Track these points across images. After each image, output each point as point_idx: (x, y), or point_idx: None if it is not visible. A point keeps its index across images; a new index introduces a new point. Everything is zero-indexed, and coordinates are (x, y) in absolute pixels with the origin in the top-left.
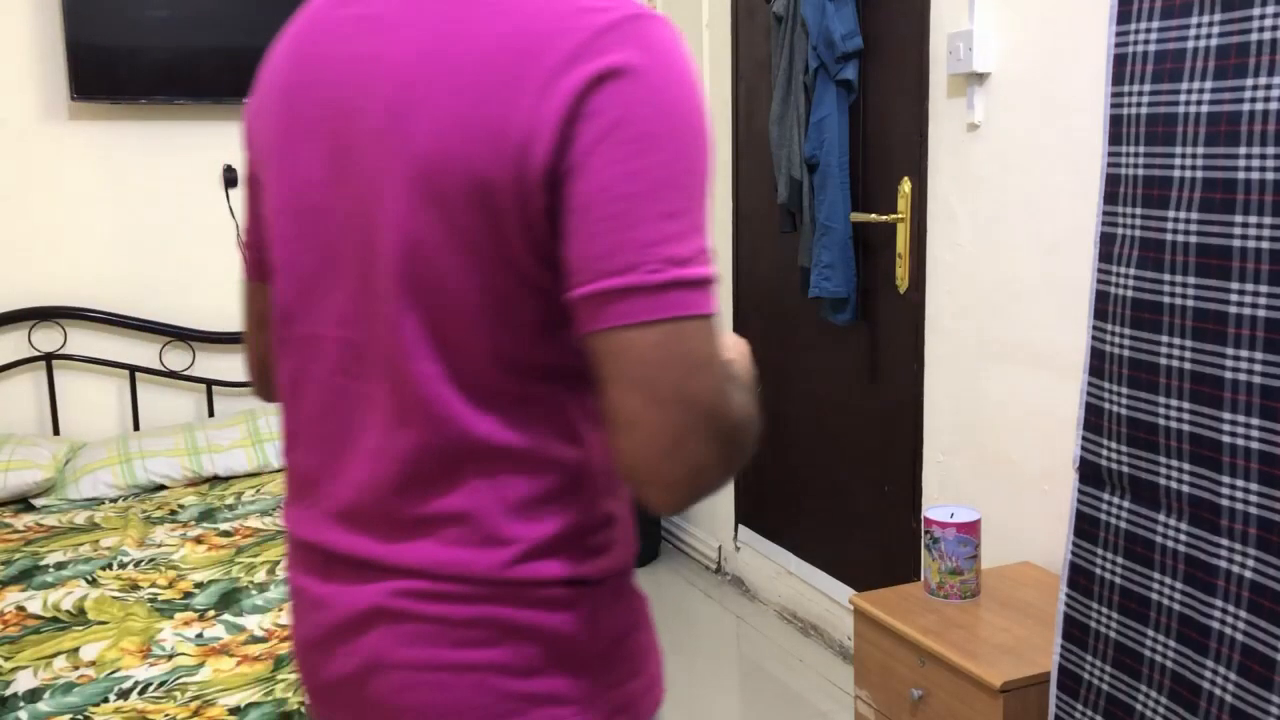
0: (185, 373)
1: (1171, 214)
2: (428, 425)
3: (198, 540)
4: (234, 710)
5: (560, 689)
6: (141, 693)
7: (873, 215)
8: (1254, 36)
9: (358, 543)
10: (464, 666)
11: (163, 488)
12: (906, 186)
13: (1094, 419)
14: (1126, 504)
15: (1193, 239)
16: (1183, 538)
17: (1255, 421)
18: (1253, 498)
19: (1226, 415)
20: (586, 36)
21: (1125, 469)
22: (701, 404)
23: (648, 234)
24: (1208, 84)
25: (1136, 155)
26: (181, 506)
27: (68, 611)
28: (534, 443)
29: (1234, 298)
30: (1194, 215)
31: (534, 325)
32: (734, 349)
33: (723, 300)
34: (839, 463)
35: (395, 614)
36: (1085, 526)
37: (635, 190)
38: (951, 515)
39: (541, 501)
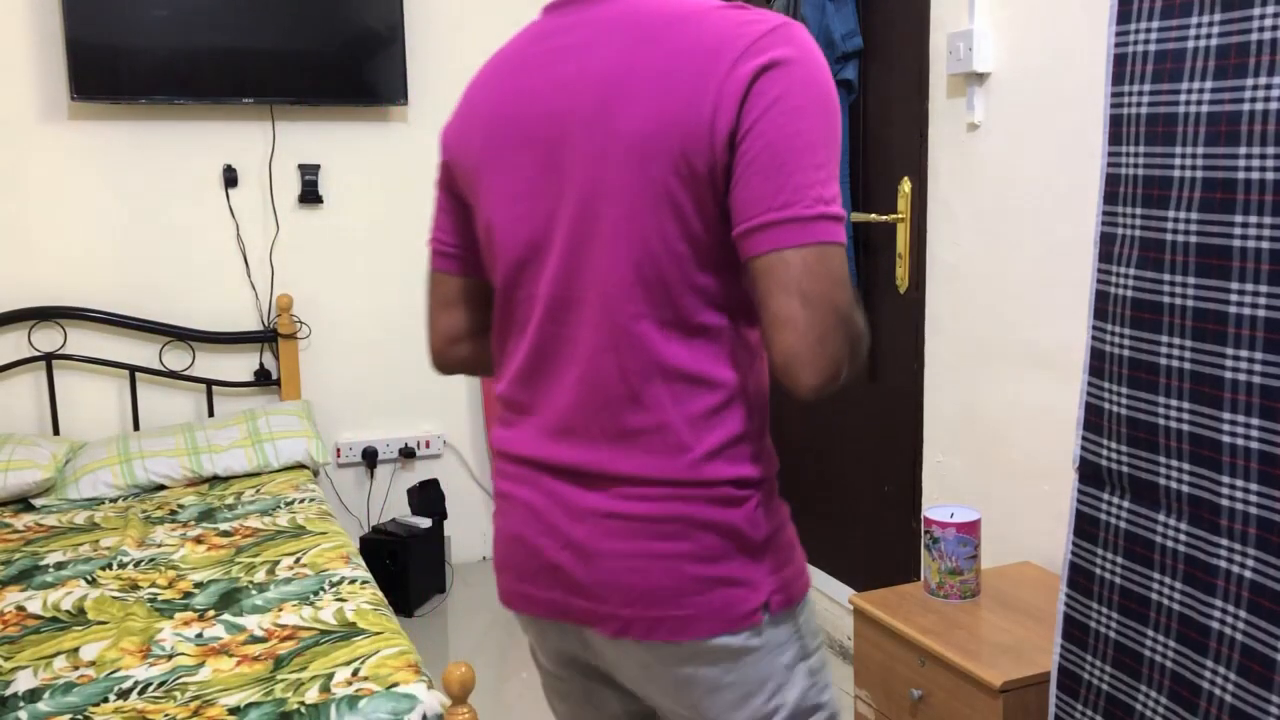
0: (185, 373)
1: (1171, 214)
2: (630, 353)
3: (197, 540)
4: (234, 710)
5: (735, 572)
6: (141, 693)
7: (873, 215)
8: (1254, 36)
9: (574, 454)
10: (661, 555)
11: (163, 488)
12: (906, 186)
13: (1094, 419)
14: (1126, 504)
15: (1193, 239)
16: (1182, 538)
17: (1255, 421)
18: (1253, 498)
19: (1226, 415)
20: (751, 40)
21: (1125, 469)
22: (842, 310)
23: (801, 180)
24: (1208, 84)
25: (1136, 155)
26: (181, 506)
27: (67, 611)
28: (706, 366)
29: (1234, 298)
30: (1194, 215)
31: (713, 268)
32: None
33: None
34: (839, 463)
35: (607, 513)
36: (1085, 526)
37: (791, 147)
38: (951, 515)
39: (713, 414)
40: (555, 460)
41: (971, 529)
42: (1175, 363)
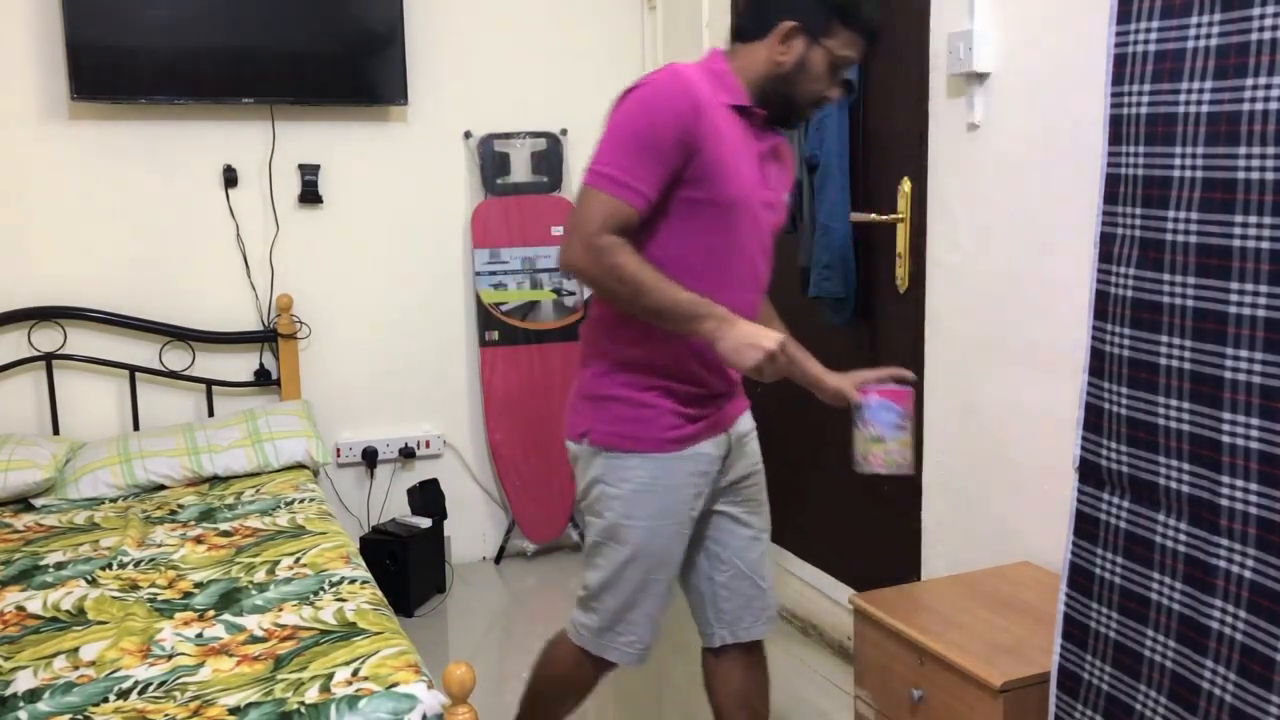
0: (185, 373)
1: (1171, 214)
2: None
3: (197, 540)
4: (234, 710)
5: (578, 408)
6: (141, 693)
7: (873, 215)
8: (1254, 36)
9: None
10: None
11: (162, 488)
12: (906, 186)
13: (1094, 419)
14: (1126, 504)
15: (1193, 239)
16: (1182, 538)
17: (1255, 421)
18: (1252, 498)
19: (1226, 415)
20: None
21: (1125, 469)
22: (571, 226)
23: (592, 159)
24: (1208, 84)
25: (1136, 155)
26: (181, 506)
27: (67, 611)
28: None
29: (1234, 298)
30: (1194, 215)
31: None
32: (765, 337)
33: None
34: (839, 463)
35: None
36: (1085, 526)
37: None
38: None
39: (590, 326)
40: None
41: (897, 396)
42: (1175, 363)
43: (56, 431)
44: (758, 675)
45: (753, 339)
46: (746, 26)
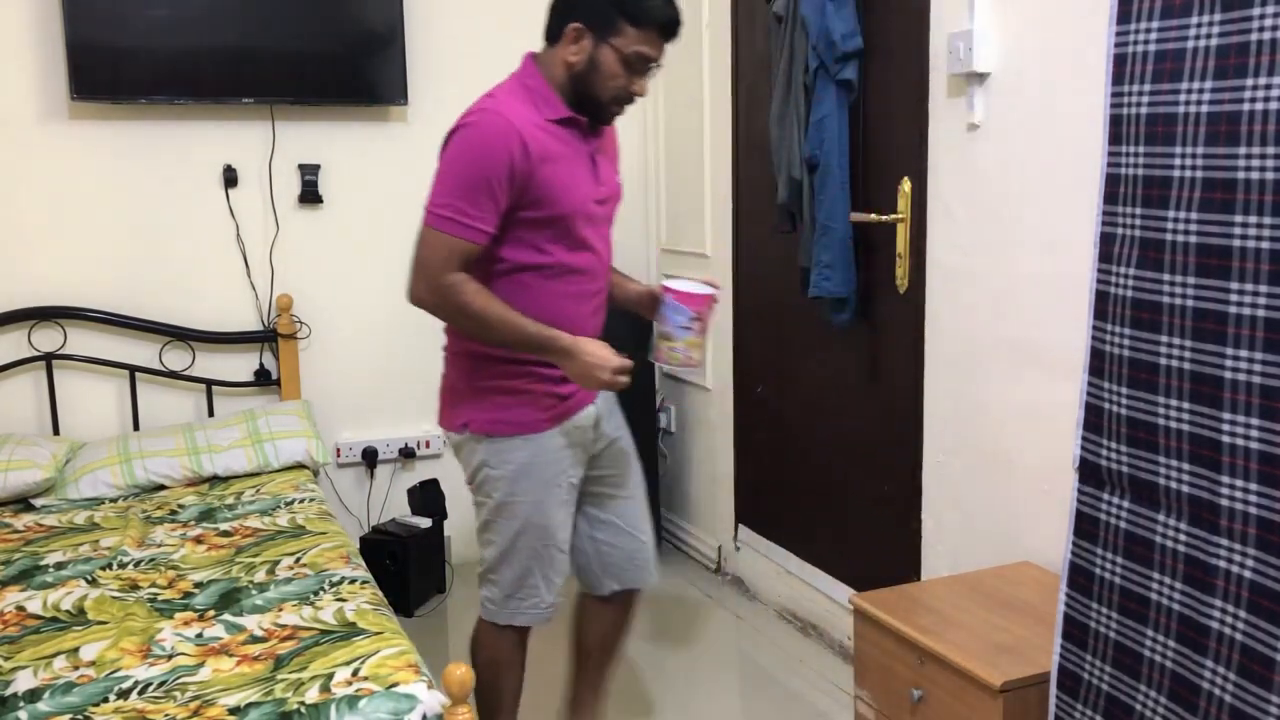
0: (185, 373)
1: (1171, 214)
2: None
3: (197, 540)
4: (234, 710)
5: (451, 401)
6: (141, 693)
7: (873, 215)
8: (1254, 36)
9: None
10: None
11: (162, 488)
12: (906, 186)
13: (1094, 419)
14: (1126, 504)
15: (1193, 239)
16: (1182, 538)
17: (1255, 421)
18: (1252, 498)
19: (1226, 415)
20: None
21: (1125, 469)
22: (415, 265)
23: (428, 197)
24: (1208, 84)
25: (1136, 155)
26: (181, 506)
27: (67, 611)
28: None
29: (1234, 298)
30: (1194, 215)
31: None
32: (603, 366)
33: (723, 300)
34: (839, 463)
35: None
36: (1085, 526)
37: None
38: (689, 287)
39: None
40: None
41: (688, 299)
42: (1175, 363)
43: (56, 431)
44: (626, 620)
45: (592, 368)
46: (548, 30)
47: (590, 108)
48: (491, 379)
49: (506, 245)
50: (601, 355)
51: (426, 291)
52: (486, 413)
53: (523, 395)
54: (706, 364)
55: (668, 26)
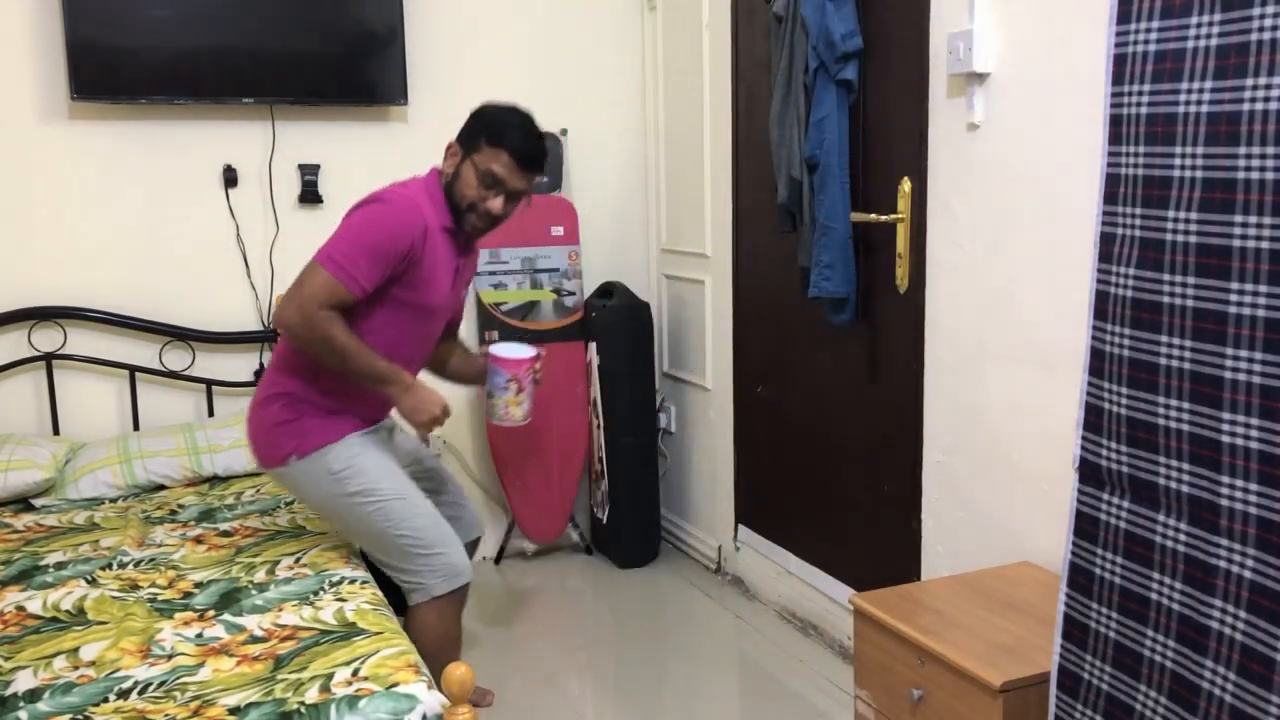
0: (185, 373)
1: (1171, 214)
2: None
3: (197, 540)
4: (234, 710)
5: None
6: (141, 693)
7: (873, 215)
8: (1254, 36)
9: None
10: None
11: (162, 488)
12: (906, 186)
13: (1094, 419)
14: (1126, 504)
15: (1193, 239)
16: (1182, 538)
17: (1255, 421)
18: (1252, 498)
19: (1226, 415)
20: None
21: (1125, 469)
22: (295, 293)
23: (327, 245)
24: (1208, 84)
25: (1136, 155)
26: (181, 506)
27: (67, 611)
28: (282, 349)
29: (1234, 298)
30: (1194, 215)
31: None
32: (431, 407)
33: (723, 300)
34: (839, 463)
35: None
36: (1085, 526)
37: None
38: (515, 351)
39: (276, 369)
40: None
41: (505, 364)
42: (1175, 363)
43: (56, 431)
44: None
45: (423, 408)
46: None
47: (456, 216)
48: (310, 408)
49: (369, 316)
50: (435, 396)
51: (298, 317)
52: (309, 437)
53: (338, 414)
54: (705, 365)
55: (521, 152)
